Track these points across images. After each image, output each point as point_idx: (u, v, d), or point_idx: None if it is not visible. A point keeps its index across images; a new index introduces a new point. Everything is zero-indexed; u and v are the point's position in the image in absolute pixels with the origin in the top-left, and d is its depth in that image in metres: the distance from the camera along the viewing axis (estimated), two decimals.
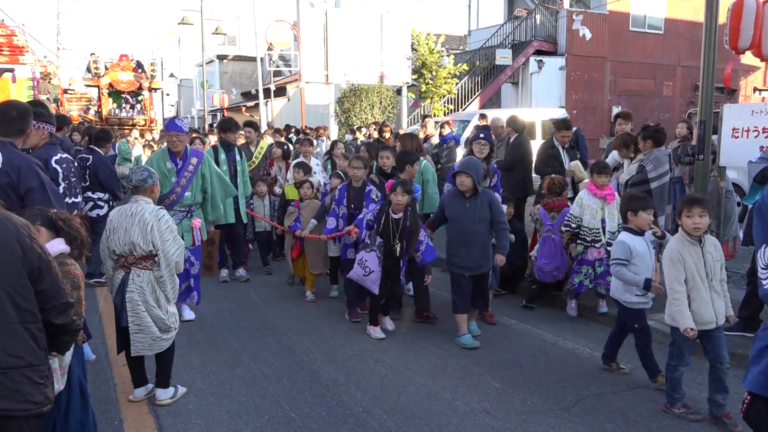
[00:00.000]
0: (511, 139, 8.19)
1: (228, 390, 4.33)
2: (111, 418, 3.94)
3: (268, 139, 10.40)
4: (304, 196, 6.84)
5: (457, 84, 21.19)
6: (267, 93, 24.83)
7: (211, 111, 32.37)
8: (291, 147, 10.00)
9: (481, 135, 6.18)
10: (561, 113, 13.70)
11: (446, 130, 10.34)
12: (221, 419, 3.92)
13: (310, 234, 6.39)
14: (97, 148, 7.46)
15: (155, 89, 22.96)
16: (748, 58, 16.58)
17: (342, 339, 5.39)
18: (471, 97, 21.52)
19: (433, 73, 20.48)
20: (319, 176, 7.89)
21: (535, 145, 11.00)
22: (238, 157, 7.26)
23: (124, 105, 21.49)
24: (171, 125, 5.79)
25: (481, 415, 3.98)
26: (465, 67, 21.51)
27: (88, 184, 7.20)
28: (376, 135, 11.61)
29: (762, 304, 4.99)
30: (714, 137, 6.57)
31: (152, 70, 22.26)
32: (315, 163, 8.03)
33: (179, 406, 4.09)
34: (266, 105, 25.62)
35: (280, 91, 28.03)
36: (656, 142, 6.21)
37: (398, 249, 5.30)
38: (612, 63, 22.47)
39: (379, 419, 3.92)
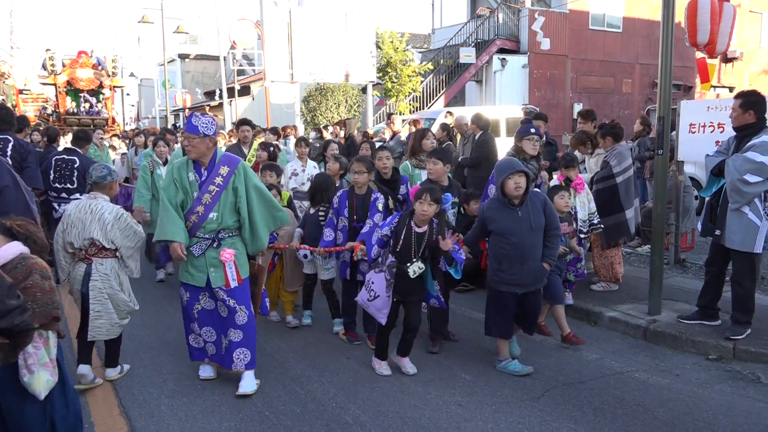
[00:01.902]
0: (476, 137, 8.30)
1: (200, 390, 4.31)
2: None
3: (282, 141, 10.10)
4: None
5: (422, 82, 21.32)
6: (231, 92, 24.57)
7: (174, 111, 31.87)
8: (284, 148, 9.54)
9: (532, 130, 5.38)
10: (526, 109, 13.87)
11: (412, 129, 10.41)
12: (195, 419, 3.90)
13: (300, 245, 5.27)
14: (78, 149, 7.33)
15: (117, 87, 22.32)
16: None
17: (312, 336, 5.40)
18: (436, 96, 21.68)
19: (398, 72, 20.57)
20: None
21: (500, 142, 11.18)
22: None
23: (83, 104, 20.80)
24: (186, 125, 4.29)
25: (453, 407, 4.04)
26: (429, 65, 21.65)
27: (75, 185, 7.07)
28: (341, 134, 11.62)
29: (719, 293, 5.18)
30: (672, 133, 6.78)
31: (113, 67, 21.54)
32: (312, 166, 7.33)
33: (151, 407, 4.05)
34: (230, 104, 25.35)
35: (245, 91, 27.76)
36: (615, 137, 6.38)
37: (414, 269, 4.31)
38: (573, 61, 22.89)
39: (353, 414, 3.96)
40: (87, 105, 20.82)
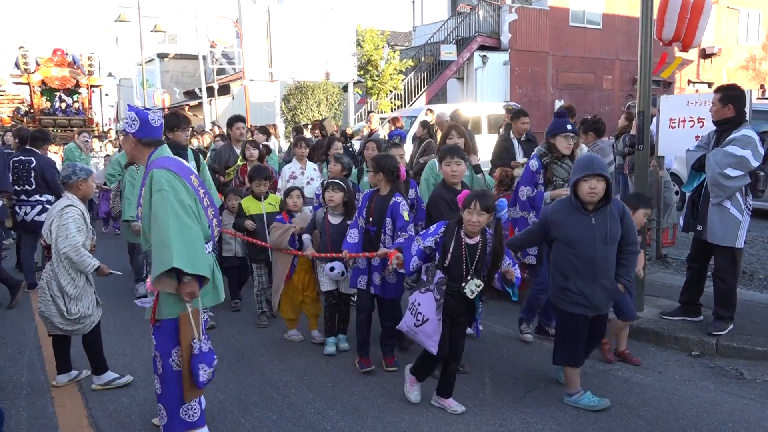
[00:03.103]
0: None
1: None
2: (49, 430, 3.75)
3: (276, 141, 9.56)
4: (292, 207, 5.32)
5: (403, 80, 21.25)
6: (210, 92, 24.29)
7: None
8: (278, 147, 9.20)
9: (569, 126, 4.80)
10: (508, 107, 13.85)
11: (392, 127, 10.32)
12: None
13: (319, 253, 4.81)
14: (35, 149, 7.09)
15: (94, 86, 21.82)
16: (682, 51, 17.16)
17: (290, 341, 5.28)
18: (417, 93, 21.62)
19: (379, 70, 20.47)
20: (317, 182, 6.51)
21: (481, 139, 11.14)
22: (192, 165, 5.58)
23: (58, 104, 20.32)
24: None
25: (434, 409, 3.95)
26: (410, 63, 21.58)
27: (34, 186, 6.86)
28: (317, 134, 11.43)
29: (702, 289, 5.15)
30: (652, 129, 6.75)
31: (90, 66, 20.99)
32: (312, 168, 6.74)
33: (122, 417, 3.91)
34: (210, 104, 25.06)
35: (224, 90, 27.46)
36: (597, 133, 6.35)
37: (472, 288, 3.68)
38: (554, 57, 22.95)
39: (332, 419, 3.85)
40: (63, 105, 20.31)
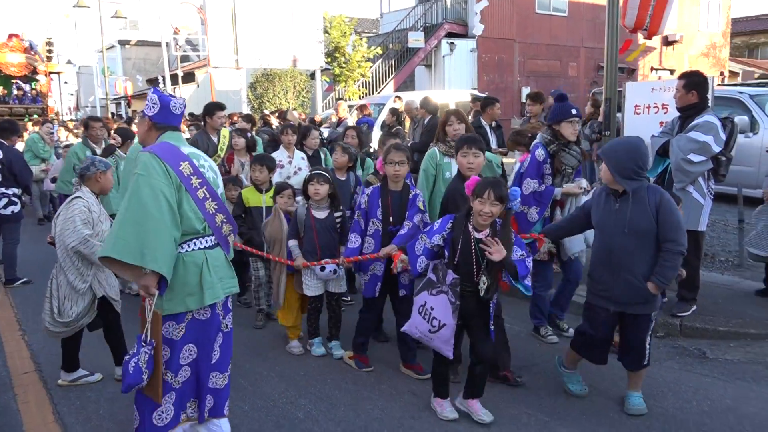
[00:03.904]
0: (425, 121, 8.24)
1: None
2: (13, 429, 3.64)
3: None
4: (283, 206, 4.89)
5: (370, 67, 21.15)
6: (174, 79, 23.83)
7: (115, 99, 30.82)
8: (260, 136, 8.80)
9: (573, 111, 4.51)
10: (473, 96, 13.90)
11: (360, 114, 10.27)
12: (133, 423, 3.69)
13: (313, 262, 4.41)
14: (2, 141, 6.85)
15: (53, 73, 21.12)
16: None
17: (260, 330, 5.23)
18: (385, 81, 21.55)
19: (347, 57, 20.33)
20: (306, 172, 5.92)
21: None
22: None
23: (15, 92, 19.62)
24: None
25: (407, 395, 3.96)
26: (378, 50, 21.48)
27: (0, 179, 6.63)
28: (275, 123, 11.26)
29: None
30: (618, 114, 6.86)
31: (48, 51, 20.27)
32: (300, 157, 6.23)
33: (89, 412, 3.83)
34: (174, 92, 24.59)
35: (189, 77, 26.96)
36: None
37: (486, 286, 3.39)
38: (520, 45, 23.10)
39: (305, 408, 3.83)
40: (20, 92, 19.64)
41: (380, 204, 4.17)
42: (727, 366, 4.31)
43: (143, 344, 2.96)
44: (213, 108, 6.94)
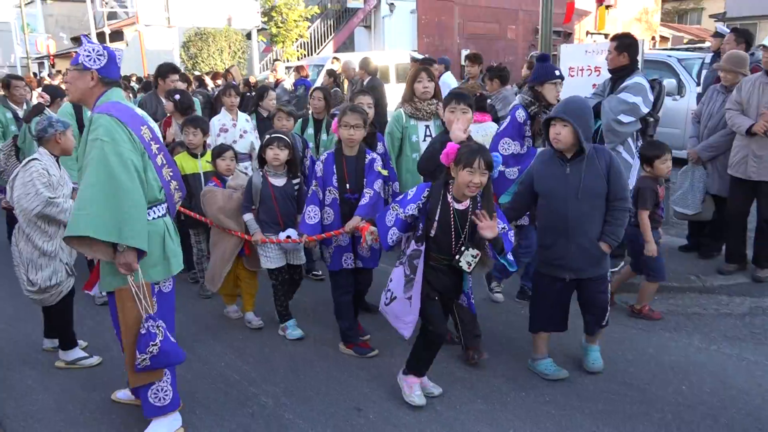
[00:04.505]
0: (365, 82, 8.14)
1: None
2: None
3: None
4: (225, 172, 4.55)
5: (309, 27, 20.68)
6: (101, 38, 22.63)
7: (37, 58, 29.01)
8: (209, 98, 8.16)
9: (557, 72, 4.34)
10: (413, 56, 13.81)
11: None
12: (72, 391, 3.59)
13: (272, 239, 4.11)
14: None
15: None
16: (581, 3, 17.66)
17: (195, 295, 5.14)
18: (324, 42, 21.15)
19: (284, 16, 19.78)
20: (251, 136, 5.81)
21: (389, 88, 11.08)
22: None
23: None
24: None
25: (350, 359, 3.98)
26: (316, 9, 21.00)
27: None
28: (218, 85, 10.94)
29: None
30: None
31: None
32: (245, 119, 5.91)
33: (28, 409, 3.68)
34: None
35: (117, 36, 25.67)
36: (502, 80, 6.46)
37: (468, 259, 3.16)
38: (460, 7, 23.04)
39: (242, 371, 3.81)
40: None
41: (335, 171, 3.85)
42: (650, 319, 4.52)
43: (150, 320, 2.85)
44: (167, 70, 6.53)
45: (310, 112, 5.79)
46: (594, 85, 5.95)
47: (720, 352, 3.99)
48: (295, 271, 4.36)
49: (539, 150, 4.26)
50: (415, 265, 3.18)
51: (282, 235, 4.09)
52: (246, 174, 4.88)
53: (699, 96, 7.31)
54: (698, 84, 8.43)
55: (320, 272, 5.42)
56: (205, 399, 3.46)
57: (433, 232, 3.19)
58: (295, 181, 4.26)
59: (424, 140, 4.52)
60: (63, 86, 7.59)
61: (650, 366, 3.77)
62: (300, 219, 4.01)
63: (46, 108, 5.90)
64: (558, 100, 4.24)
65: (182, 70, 17.65)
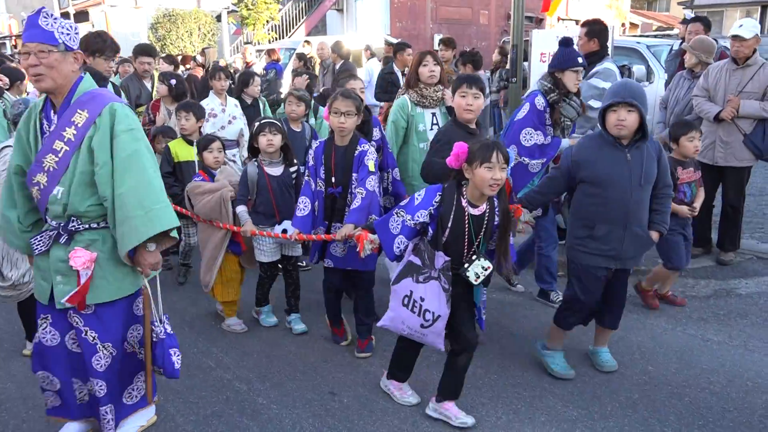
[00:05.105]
0: (337, 66, 8.08)
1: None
2: None
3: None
4: (214, 164, 4.26)
5: (279, 10, 20.40)
6: (65, 18, 22.03)
7: None
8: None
9: (580, 59, 4.07)
10: (386, 39, 13.74)
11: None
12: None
13: (263, 231, 3.87)
14: None
15: None
16: None
17: (181, 294, 5.09)
18: (296, 25, 20.91)
19: None
20: (240, 122, 5.56)
21: (362, 72, 11.01)
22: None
23: None
24: (29, 29, 2.48)
25: (321, 341, 4.00)
26: None
27: None
28: (189, 67, 10.76)
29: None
30: (525, 64, 7.01)
31: None
32: (234, 104, 5.67)
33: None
34: None
35: (82, 16, 24.94)
36: (475, 65, 6.48)
37: (477, 271, 2.87)
38: None
39: (216, 357, 3.80)
40: None
41: (323, 161, 3.58)
42: None
43: (161, 322, 2.76)
44: (137, 52, 6.42)
45: (283, 96, 5.70)
46: None
47: (685, 333, 4.10)
48: (288, 261, 4.14)
49: (565, 140, 4.13)
50: (450, 276, 2.86)
51: (278, 229, 3.83)
52: (234, 161, 4.71)
53: (666, 83, 7.44)
54: (666, 71, 8.56)
55: (305, 263, 5.16)
56: (180, 386, 3.43)
57: (444, 239, 2.89)
58: (292, 169, 4.01)
59: (431, 129, 4.25)
60: (23, 69, 7.31)
61: (618, 347, 3.85)
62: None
63: (6, 92, 5.65)
64: (577, 88, 4.12)
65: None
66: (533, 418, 3.17)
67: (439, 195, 2.89)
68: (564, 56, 4.08)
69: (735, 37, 4.87)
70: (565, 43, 4.12)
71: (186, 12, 17.59)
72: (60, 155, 2.51)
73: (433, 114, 4.30)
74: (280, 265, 4.16)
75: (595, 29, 4.94)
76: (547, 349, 3.62)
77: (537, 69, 6.95)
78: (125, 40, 19.70)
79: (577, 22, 26.09)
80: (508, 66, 8.36)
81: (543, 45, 6.82)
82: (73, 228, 2.55)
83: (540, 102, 4.08)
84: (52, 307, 2.63)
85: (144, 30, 18.47)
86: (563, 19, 26.75)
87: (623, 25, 26.78)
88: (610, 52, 5.15)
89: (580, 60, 4.04)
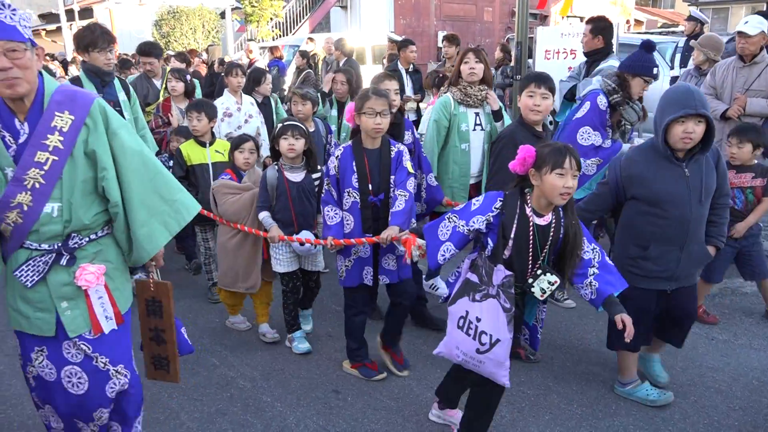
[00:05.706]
0: (341, 63, 8.08)
1: None
2: None
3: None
4: (244, 165, 4.04)
5: (284, 7, 20.41)
6: (70, 15, 22.03)
7: None
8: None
9: (655, 71, 3.86)
10: (391, 37, 13.69)
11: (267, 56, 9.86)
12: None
13: (291, 237, 3.57)
14: None
15: None
16: None
17: (185, 292, 5.10)
18: (300, 22, 20.91)
19: None
20: (256, 120, 5.33)
21: (365, 70, 11.01)
22: (122, 96, 4.47)
23: None
24: None
25: (324, 338, 4.00)
26: None
27: None
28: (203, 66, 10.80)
29: None
30: (529, 61, 6.99)
31: None
32: (249, 102, 5.43)
33: (1, 395, 3.62)
34: (70, 29, 22.78)
35: (87, 14, 24.97)
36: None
37: (543, 286, 2.59)
38: None
39: (220, 355, 3.81)
40: None
41: (355, 168, 3.22)
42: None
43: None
44: (141, 51, 6.22)
45: (285, 94, 5.72)
46: (570, 67, 5.99)
47: (690, 331, 4.07)
48: (310, 278, 3.92)
49: (625, 145, 3.86)
50: (512, 295, 2.49)
51: (303, 234, 3.57)
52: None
53: (672, 80, 7.41)
54: (671, 68, 8.53)
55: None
56: (183, 383, 3.43)
57: (507, 253, 2.58)
58: (315, 176, 3.70)
59: (474, 129, 4.07)
60: None
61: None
62: (320, 219, 3.53)
63: None
64: (641, 95, 3.91)
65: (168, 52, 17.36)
66: (538, 416, 3.16)
67: (501, 201, 2.61)
68: (640, 61, 3.83)
69: (740, 34, 4.85)
70: (648, 47, 3.84)
71: (190, 9, 17.59)
72: (47, 167, 2.12)
73: (477, 114, 4.10)
74: (299, 282, 3.88)
75: (600, 26, 4.92)
76: (625, 384, 3.31)
77: (541, 66, 6.94)
78: (129, 37, 19.77)
79: (581, 19, 26.02)
80: (512, 63, 8.35)
81: (547, 42, 6.81)
82: (75, 245, 2.23)
83: (602, 102, 3.84)
84: (48, 338, 2.28)
85: (148, 27, 18.48)
86: (568, 16, 26.66)
87: (628, 22, 26.65)
88: (614, 49, 5.12)
89: (654, 71, 3.82)
